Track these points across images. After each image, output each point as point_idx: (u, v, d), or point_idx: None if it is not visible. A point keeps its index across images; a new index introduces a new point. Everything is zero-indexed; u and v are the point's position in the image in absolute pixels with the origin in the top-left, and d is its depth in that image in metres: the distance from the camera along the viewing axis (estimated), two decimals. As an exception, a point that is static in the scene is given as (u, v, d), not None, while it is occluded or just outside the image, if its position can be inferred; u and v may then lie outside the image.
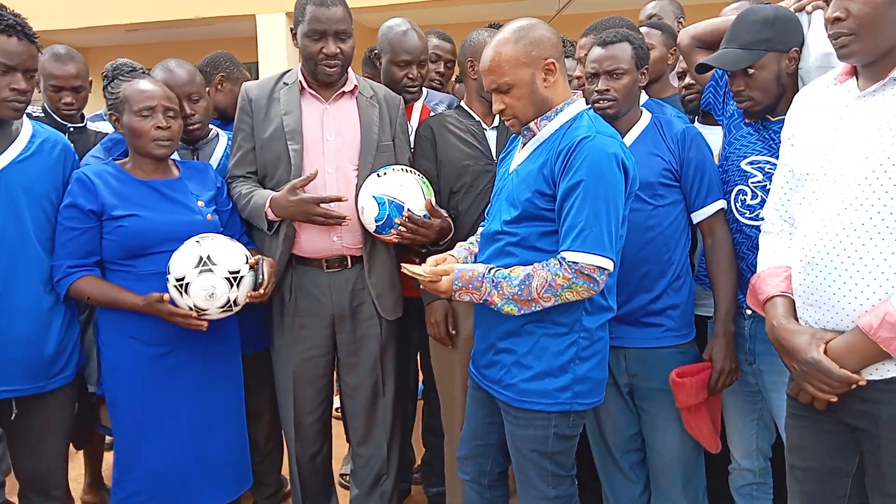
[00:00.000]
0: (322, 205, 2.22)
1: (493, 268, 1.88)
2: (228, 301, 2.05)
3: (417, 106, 2.75)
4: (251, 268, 2.10)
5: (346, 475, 3.14)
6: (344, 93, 2.37)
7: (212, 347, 2.24)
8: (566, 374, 1.87)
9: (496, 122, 2.40)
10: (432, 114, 2.65)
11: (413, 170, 2.36)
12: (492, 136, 2.40)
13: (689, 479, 2.15)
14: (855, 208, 1.49)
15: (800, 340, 1.56)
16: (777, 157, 1.95)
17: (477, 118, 2.42)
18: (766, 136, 2.06)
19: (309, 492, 2.55)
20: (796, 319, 1.62)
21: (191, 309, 2.03)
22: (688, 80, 2.54)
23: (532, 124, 1.92)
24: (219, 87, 2.81)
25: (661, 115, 2.26)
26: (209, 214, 2.24)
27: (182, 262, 2.02)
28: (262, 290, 2.12)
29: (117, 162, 2.24)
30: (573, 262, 1.77)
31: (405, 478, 2.95)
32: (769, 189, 1.91)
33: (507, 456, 2.07)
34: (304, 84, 2.35)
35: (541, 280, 1.79)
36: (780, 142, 1.88)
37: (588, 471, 2.32)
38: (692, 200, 2.14)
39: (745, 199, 2.09)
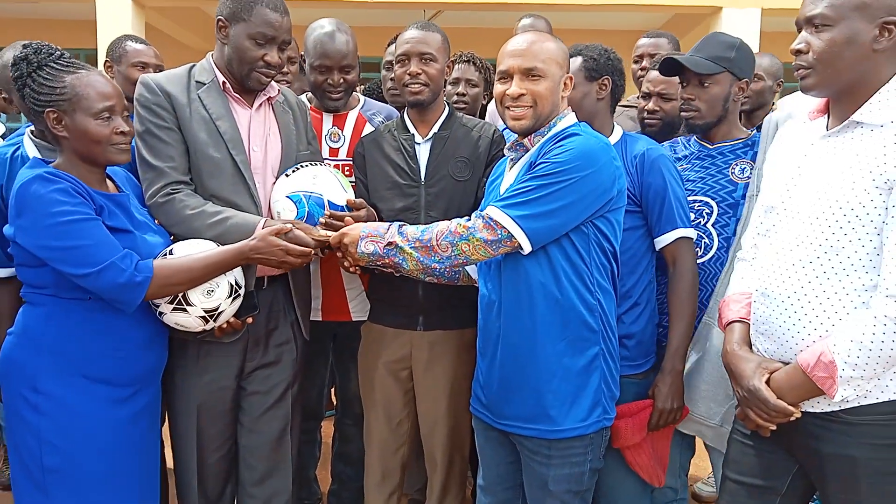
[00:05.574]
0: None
1: (403, 224, 1.88)
2: (216, 309, 1.89)
3: (353, 115, 2.54)
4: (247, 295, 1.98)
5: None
6: (267, 99, 2.16)
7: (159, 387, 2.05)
8: None
9: (430, 135, 2.27)
10: (368, 124, 2.50)
11: (323, 161, 2.19)
12: (424, 149, 2.27)
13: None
14: (807, 245, 1.54)
15: (746, 367, 1.63)
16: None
17: (412, 131, 2.28)
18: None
19: None
20: (750, 345, 1.69)
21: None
22: (652, 104, 2.50)
23: (526, 140, 1.89)
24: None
25: (628, 135, 2.19)
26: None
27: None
28: (246, 322, 2.03)
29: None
30: (483, 214, 1.77)
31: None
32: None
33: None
34: (227, 86, 2.10)
35: (442, 228, 1.80)
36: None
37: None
38: (653, 226, 2.08)
39: None
